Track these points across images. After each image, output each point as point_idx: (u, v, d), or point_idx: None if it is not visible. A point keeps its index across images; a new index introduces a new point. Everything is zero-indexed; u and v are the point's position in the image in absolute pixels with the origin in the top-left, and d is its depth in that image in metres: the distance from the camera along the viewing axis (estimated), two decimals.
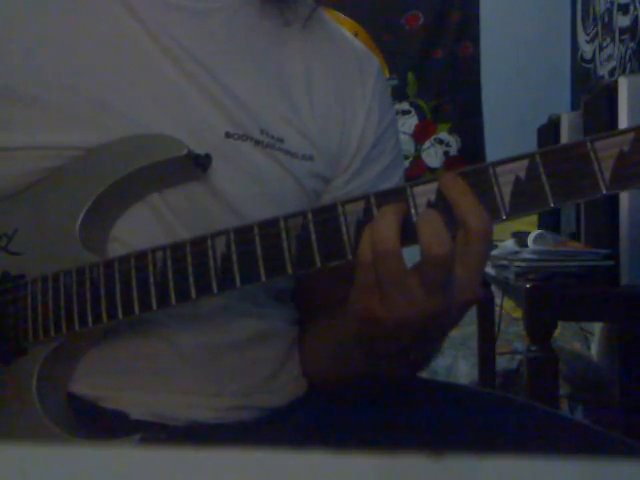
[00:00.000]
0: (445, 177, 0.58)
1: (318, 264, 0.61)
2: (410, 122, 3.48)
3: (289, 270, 0.62)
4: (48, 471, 0.25)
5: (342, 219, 0.60)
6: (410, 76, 3.47)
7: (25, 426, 0.69)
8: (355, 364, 0.73)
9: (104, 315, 0.67)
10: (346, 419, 0.78)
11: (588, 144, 0.56)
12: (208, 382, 0.75)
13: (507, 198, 0.58)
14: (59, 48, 0.73)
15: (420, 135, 3.42)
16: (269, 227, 0.62)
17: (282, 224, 0.62)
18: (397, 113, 3.49)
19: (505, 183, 0.58)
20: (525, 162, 0.57)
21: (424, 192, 0.59)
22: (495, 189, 0.58)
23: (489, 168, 0.58)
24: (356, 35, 3.47)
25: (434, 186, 0.59)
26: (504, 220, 0.58)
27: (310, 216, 0.61)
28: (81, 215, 0.69)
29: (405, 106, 3.48)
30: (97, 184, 0.70)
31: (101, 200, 0.70)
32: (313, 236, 0.61)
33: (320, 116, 0.79)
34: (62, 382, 0.72)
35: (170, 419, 0.73)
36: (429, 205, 0.59)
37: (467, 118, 3.39)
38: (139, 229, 0.71)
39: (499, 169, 0.58)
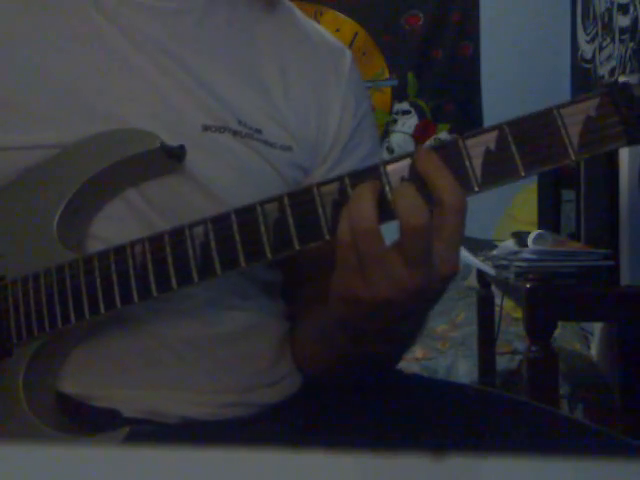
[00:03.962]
0: (419, 153, 0.59)
1: (297, 247, 0.62)
2: (410, 122, 3.47)
3: (268, 254, 0.62)
4: (38, 469, 0.25)
5: (318, 200, 0.61)
6: (410, 76, 3.47)
7: (14, 426, 0.69)
8: (341, 348, 0.73)
9: (86, 311, 0.67)
10: (343, 417, 0.78)
11: (555, 111, 0.57)
12: (200, 377, 0.75)
13: (478, 170, 0.58)
14: (30, 48, 0.74)
15: (420, 135, 3.42)
16: (246, 213, 0.63)
17: (259, 209, 0.62)
18: (397, 113, 3.49)
19: (476, 155, 0.58)
20: (494, 133, 0.58)
21: (397, 169, 0.60)
22: (466, 162, 0.58)
23: (459, 141, 0.59)
24: (356, 35, 3.47)
25: (407, 163, 0.60)
26: (477, 192, 0.59)
27: (286, 200, 0.62)
28: (58, 213, 0.69)
29: (405, 106, 3.48)
30: (72, 182, 0.70)
31: (77, 197, 0.70)
32: (290, 219, 0.61)
33: (296, 107, 0.80)
34: (49, 380, 0.72)
35: (163, 416, 0.73)
36: (402, 182, 0.59)
37: (467, 118, 3.39)
38: (118, 226, 0.71)
39: (469, 142, 0.59)
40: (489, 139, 0.58)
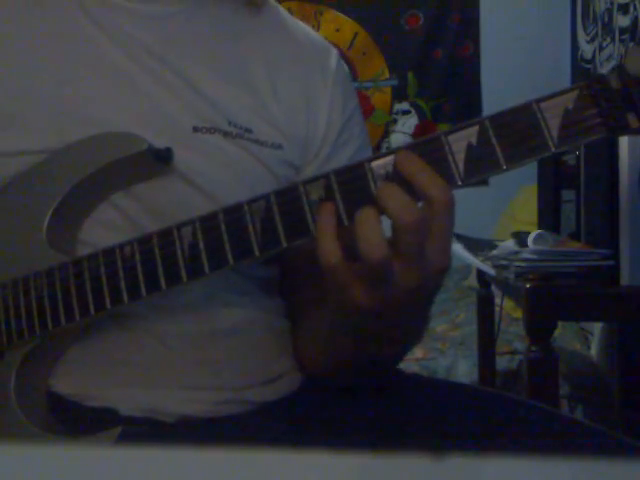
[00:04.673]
0: (400, 155, 0.60)
1: (284, 244, 0.62)
2: (410, 122, 3.47)
3: (256, 252, 0.63)
4: (32, 470, 0.25)
5: (304, 198, 0.62)
6: (410, 76, 3.47)
7: (6, 429, 0.69)
8: (343, 349, 0.74)
9: (76, 313, 0.67)
10: (342, 416, 0.78)
11: (534, 105, 0.59)
12: (197, 374, 0.75)
13: (461, 164, 0.59)
14: (17, 53, 0.74)
15: (420, 135, 3.41)
16: (234, 212, 0.64)
17: (246, 208, 0.63)
18: (397, 113, 3.49)
19: (458, 150, 0.59)
20: (476, 128, 0.59)
21: (382, 166, 0.61)
22: (449, 157, 0.59)
23: (441, 137, 0.60)
24: (356, 35, 3.47)
25: (391, 159, 0.60)
26: (460, 186, 0.60)
27: (273, 198, 0.63)
28: (47, 218, 0.70)
29: (405, 106, 3.48)
30: (61, 186, 0.70)
31: (66, 202, 0.70)
32: (277, 217, 0.62)
33: (285, 105, 0.81)
34: (41, 382, 0.72)
35: (161, 414, 0.73)
36: (387, 178, 0.60)
37: (467, 118, 3.36)
38: (108, 231, 0.72)
39: (451, 137, 0.60)
40: (471, 134, 0.59)
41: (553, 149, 0.58)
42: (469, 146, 0.59)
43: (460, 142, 0.59)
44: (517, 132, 0.59)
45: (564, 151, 0.59)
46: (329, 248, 0.59)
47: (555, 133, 0.58)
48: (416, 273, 0.60)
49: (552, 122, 0.58)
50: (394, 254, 0.59)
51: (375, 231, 0.58)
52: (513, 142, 0.59)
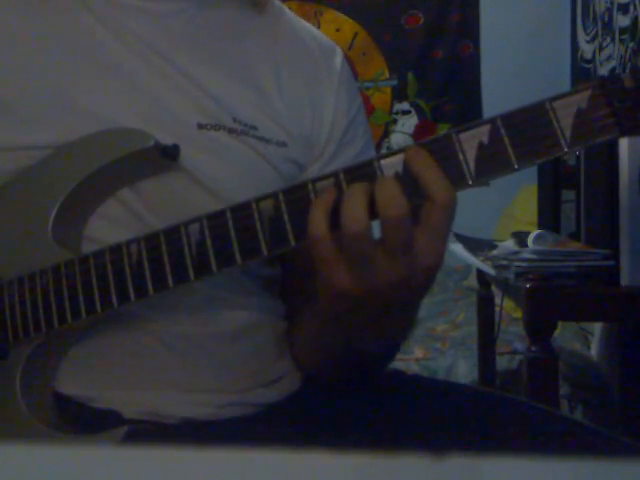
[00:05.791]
0: (409, 150, 0.60)
1: (292, 243, 0.62)
2: (410, 122, 3.47)
3: (264, 251, 0.63)
4: (37, 469, 0.25)
5: (313, 197, 0.61)
6: (410, 76, 3.47)
7: (12, 427, 0.69)
8: (335, 346, 0.74)
9: (83, 310, 0.67)
10: (343, 417, 0.78)
11: (547, 104, 0.58)
12: (200, 377, 0.75)
13: (472, 163, 0.59)
14: (20, 49, 0.74)
15: (420, 135, 3.41)
16: (242, 210, 0.63)
17: (254, 206, 0.63)
18: (397, 113, 3.49)
19: (469, 149, 0.59)
20: (487, 127, 0.59)
21: (391, 164, 0.60)
22: (460, 155, 0.59)
23: (452, 135, 0.59)
24: (356, 35, 3.47)
25: (401, 157, 0.60)
26: (471, 185, 0.59)
27: (282, 197, 0.62)
28: (53, 214, 0.69)
29: (405, 106, 3.48)
30: (67, 182, 0.70)
31: (72, 198, 0.70)
32: (286, 216, 0.62)
33: (290, 103, 0.81)
34: (46, 380, 0.72)
35: (164, 417, 0.73)
36: (397, 177, 0.60)
37: (467, 118, 3.38)
38: (113, 227, 0.72)
39: (462, 136, 0.59)
40: (482, 132, 0.59)
41: (565, 149, 0.58)
42: (480, 145, 0.59)
43: (471, 141, 0.59)
44: (529, 131, 0.58)
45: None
46: (318, 219, 0.59)
47: (568, 133, 0.57)
48: (402, 268, 0.60)
49: (565, 122, 0.57)
50: (380, 246, 0.59)
51: (357, 204, 0.58)
52: (525, 141, 0.58)
